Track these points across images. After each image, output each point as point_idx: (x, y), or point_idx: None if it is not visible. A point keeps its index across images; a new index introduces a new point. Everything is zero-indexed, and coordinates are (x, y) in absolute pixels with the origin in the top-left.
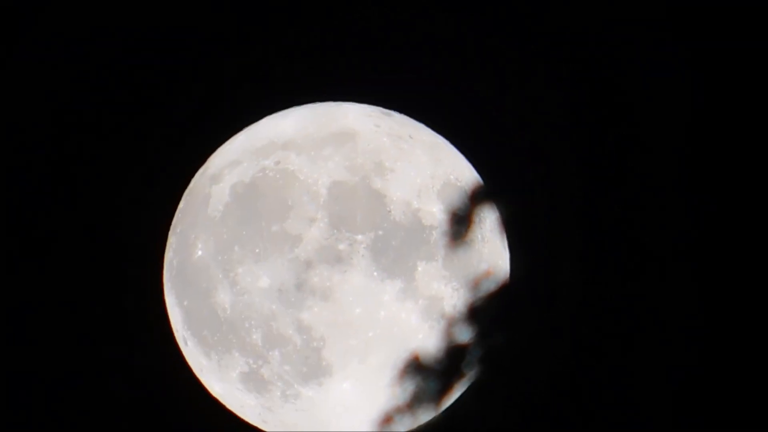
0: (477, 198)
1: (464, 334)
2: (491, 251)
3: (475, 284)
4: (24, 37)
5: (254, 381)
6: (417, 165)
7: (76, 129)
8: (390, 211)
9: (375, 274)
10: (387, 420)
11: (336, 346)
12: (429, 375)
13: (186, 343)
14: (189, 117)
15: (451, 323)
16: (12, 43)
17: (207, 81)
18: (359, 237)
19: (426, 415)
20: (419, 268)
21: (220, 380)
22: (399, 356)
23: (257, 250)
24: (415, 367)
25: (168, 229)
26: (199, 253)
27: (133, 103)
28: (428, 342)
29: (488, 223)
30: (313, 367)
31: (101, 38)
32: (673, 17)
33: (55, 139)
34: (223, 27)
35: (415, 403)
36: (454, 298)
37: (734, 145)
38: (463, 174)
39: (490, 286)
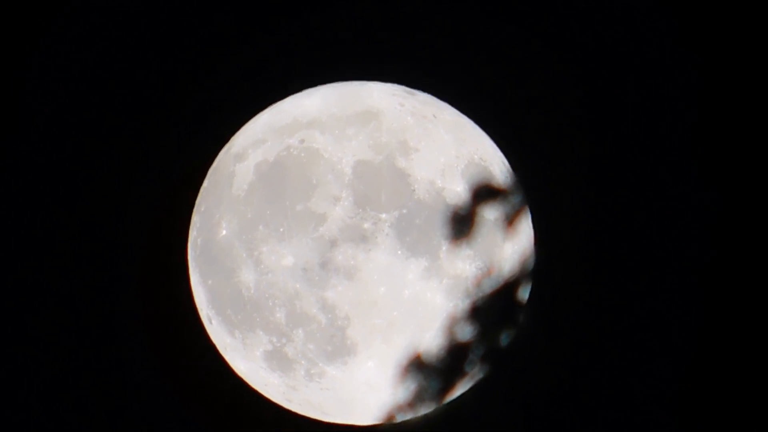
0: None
1: (470, 331)
2: (515, 230)
3: (478, 283)
4: (52, 35)
5: (278, 359)
6: (441, 144)
7: (100, 112)
8: (414, 190)
9: (399, 252)
10: (389, 418)
11: (360, 325)
12: (432, 373)
13: (210, 322)
14: (213, 96)
15: (454, 322)
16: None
17: (231, 60)
18: (383, 215)
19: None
20: (444, 247)
21: (245, 359)
22: (423, 335)
23: (281, 229)
24: (418, 364)
25: (192, 208)
26: (224, 232)
27: (157, 83)
28: (451, 324)
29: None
30: (337, 345)
31: (124, 24)
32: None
33: (82, 126)
34: (247, 6)
35: (416, 400)
36: (479, 278)
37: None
38: (487, 153)
39: (492, 285)
